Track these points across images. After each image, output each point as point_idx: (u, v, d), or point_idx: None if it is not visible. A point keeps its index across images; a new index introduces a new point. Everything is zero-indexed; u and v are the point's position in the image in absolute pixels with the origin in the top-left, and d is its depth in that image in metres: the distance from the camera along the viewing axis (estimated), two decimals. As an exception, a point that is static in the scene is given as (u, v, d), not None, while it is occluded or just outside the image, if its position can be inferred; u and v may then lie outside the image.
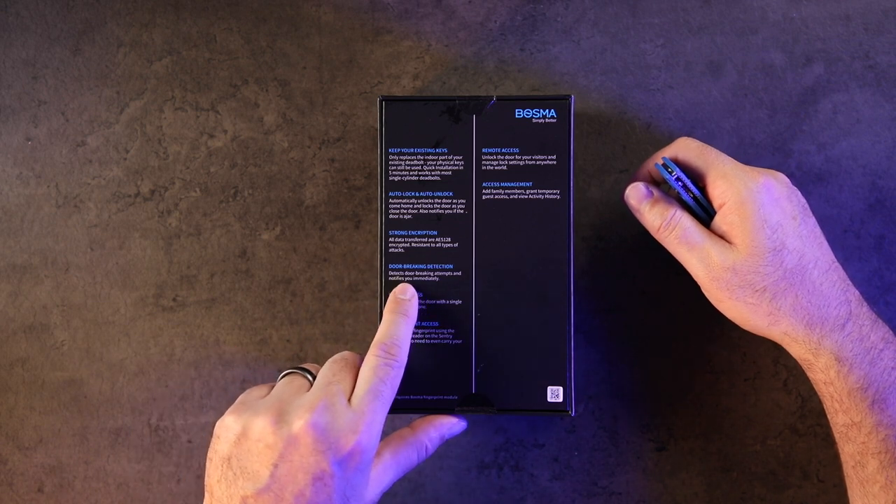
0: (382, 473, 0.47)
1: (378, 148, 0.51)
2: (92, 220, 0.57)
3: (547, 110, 0.51)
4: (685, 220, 0.48)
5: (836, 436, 0.48)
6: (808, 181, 0.56)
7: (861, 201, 0.56)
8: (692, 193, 0.48)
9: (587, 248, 0.56)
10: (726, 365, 0.56)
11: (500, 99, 0.51)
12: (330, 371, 0.46)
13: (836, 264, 0.48)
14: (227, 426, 0.45)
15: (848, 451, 0.48)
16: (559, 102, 0.51)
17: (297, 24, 0.57)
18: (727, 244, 0.47)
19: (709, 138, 0.56)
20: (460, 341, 0.51)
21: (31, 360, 0.57)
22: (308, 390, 0.46)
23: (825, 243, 0.48)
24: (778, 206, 0.47)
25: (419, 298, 0.51)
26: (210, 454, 0.45)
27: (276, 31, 0.57)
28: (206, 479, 0.45)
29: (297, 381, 0.47)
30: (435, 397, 0.51)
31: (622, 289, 0.56)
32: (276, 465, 0.42)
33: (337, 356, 0.48)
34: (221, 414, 0.56)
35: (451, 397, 0.51)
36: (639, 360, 0.56)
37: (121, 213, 0.57)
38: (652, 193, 0.49)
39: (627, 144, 0.56)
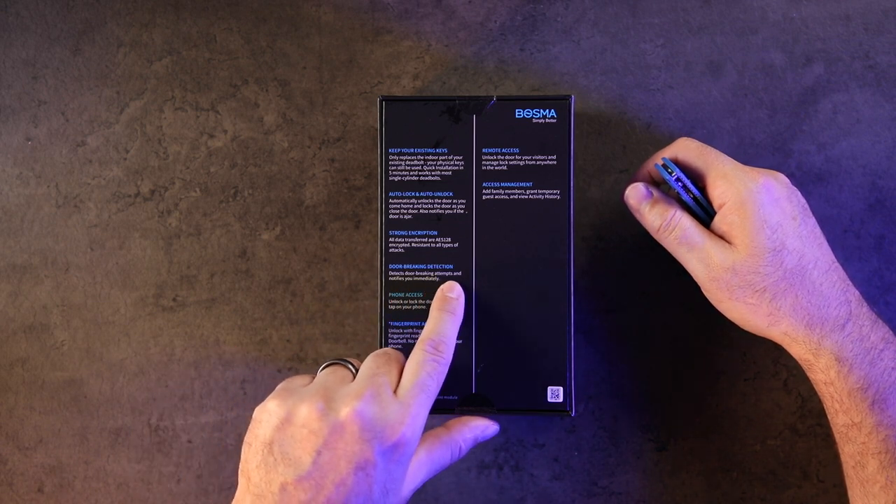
0: (417, 471, 0.47)
1: (378, 148, 0.51)
2: (92, 220, 0.57)
3: (547, 110, 0.51)
4: (685, 221, 0.48)
5: (837, 436, 0.48)
6: (808, 181, 0.56)
7: (861, 201, 0.56)
8: (692, 194, 0.48)
9: (587, 248, 0.56)
10: (726, 365, 0.56)
11: (500, 99, 0.51)
12: (374, 363, 0.46)
13: (836, 264, 0.48)
14: (270, 411, 0.44)
15: (848, 451, 0.48)
16: (559, 102, 0.51)
17: (297, 24, 0.57)
18: (727, 244, 0.47)
19: (709, 138, 0.56)
20: (460, 341, 0.51)
21: (31, 360, 0.57)
22: (352, 381, 0.46)
23: (825, 243, 0.48)
24: (778, 207, 0.47)
25: (419, 298, 0.51)
26: (249, 439, 0.44)
27: (276, 31, 0.57)
28: (241, 464, 0.44)
29: (340, 371, 0.47)
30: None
31: (622, 289, 0.56)
32: (319, 452, 0.42)
33: (379, 351, 0.48)
34: (222, 414, 0.57)
35: (451, 397, 0.51)
36: (639, 360, 0.56)
37: (121, 213, 0.57)
38: (652, 194, 0.49)
39: (627, 144, 0.56)
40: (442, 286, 0.50)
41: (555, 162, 0.51)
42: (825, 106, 0.56)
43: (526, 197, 0.51)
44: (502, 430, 0.56)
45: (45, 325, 0.57)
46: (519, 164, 0.51)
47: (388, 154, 0.51)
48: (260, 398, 0.57)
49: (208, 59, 0.57)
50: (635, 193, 0.49)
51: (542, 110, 0.51)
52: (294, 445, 0.42)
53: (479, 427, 0.50)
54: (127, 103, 0.57)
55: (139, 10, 0.58)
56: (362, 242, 0.57)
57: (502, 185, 0.51)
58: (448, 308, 0.49)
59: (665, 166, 0.48)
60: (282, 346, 0.57)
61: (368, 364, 0.46)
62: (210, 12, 0.57)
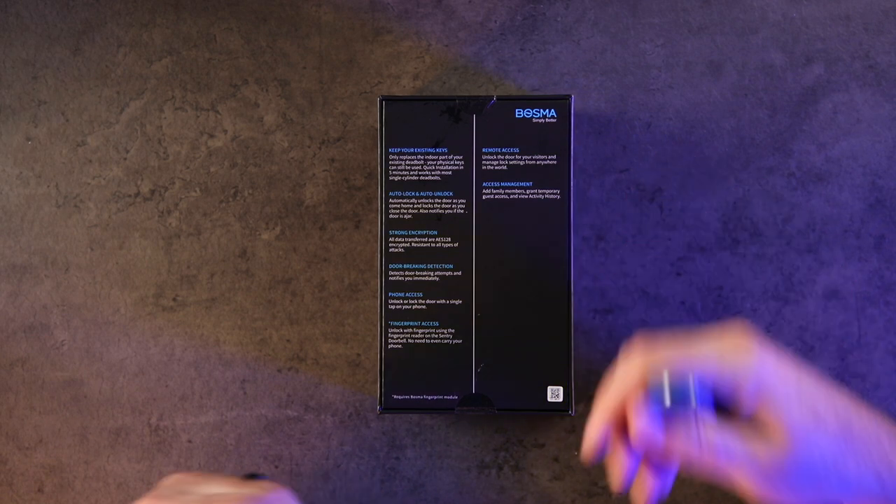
0: None
1: (378, 148, 0.51)
2: (92, 220, 0.57)
3: (547, 110, 0.51)
4: (713, 433, 0.39)
5: None
6: (808, 181, 0.56)
7: (861, 201, 0.56)
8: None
9: (587, 248, 0.56)
10: (726, 365, 0.56)
11: (500, 99, 0.51)
12: None
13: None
14: None
15: None
16: (559, 102, 0.51)
17: (297, 24, 0.57)
18: (766, 445, 0.40)
19: (709, 138, 0.56)
20: (460, 341, 0.51)
21: (31, 360, 0.57)
22: None
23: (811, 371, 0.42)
24: (779, 367, 0.40)
25: (419, 298, 0.51)
26: None
27: (276, 31, 0.57)
28: None
29: None
30: (435, 397, 0.51)
31: (622, 289, 0.56)
32: None
33: None
34: (222, 414, 0.57)
35: (451, 397, 0.51)
36: (639, 360, 0.56)
37: (121, 213, 0.57)
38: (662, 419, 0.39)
39: (627, 144, 0.56)
40: None
41: (555, 162, 0.51)
42: (825, 106, 0.56)
43: (526, 197, 0.51)
44: (502, 430, 0.56)
45: (45, 325, 0.57)
46: (519, 164, 0.51)
47: (388, 154, 0.51)
48: (260, 398, 0.57)
49: (208, 59, 0.57)
50: (648, 428, 0.38)
51: (542, 110, 0.51)
52: None
53: None
54: (127, 103, 0.58)
55: (139, 10, 0.58)
56: (362, 242, 0.57)
57: (502, 184, 0.51)
58: None
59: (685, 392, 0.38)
60: (282, 346, 0.57)
61: None
62: (210, 12, 0.58)
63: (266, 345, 0.57)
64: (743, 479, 0.40)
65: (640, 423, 0.38)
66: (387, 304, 0.51)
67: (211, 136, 0.57)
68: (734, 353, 0.40)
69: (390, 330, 0.51)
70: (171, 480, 0.47)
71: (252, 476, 0.49)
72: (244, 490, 0.45)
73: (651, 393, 0.38)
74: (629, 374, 0.39)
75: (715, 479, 0.41)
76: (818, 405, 0.40)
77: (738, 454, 0.39)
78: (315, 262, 0.57)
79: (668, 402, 0.37)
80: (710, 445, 0.39)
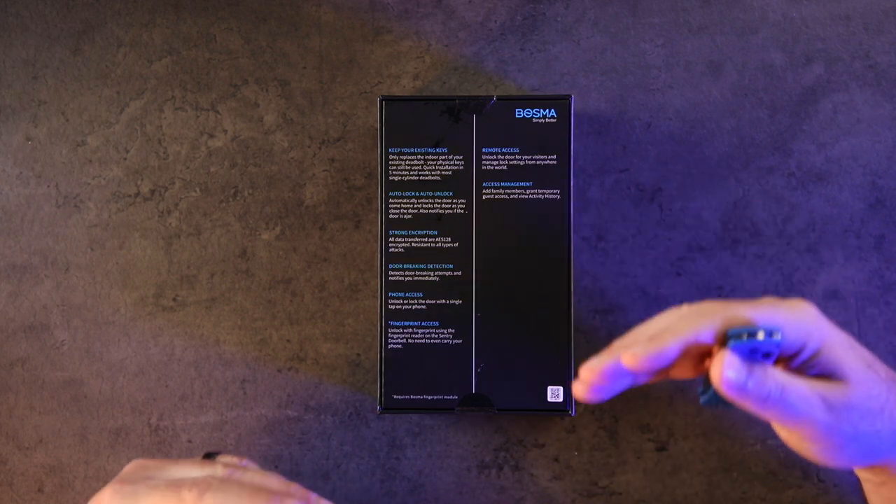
0: None
1: (378, 148, 0.51)
2: (92, 220, 0.57)
3: (547, 110, 0.51)
4: (783, 377, 0.40)
5: None
6: (808, 181, 0.56)
7: (861, 201, 0.56)
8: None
9: (587, 248, 0.56)
10: (726, 365, 0.56)
11: (500, 99, 0.51)
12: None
13: None
14: None
15: None
16: (559, 102, 0.51)
17: (297, 24, 0.57)
18: (829, 384, 0.41)
19: (709, 138, 0.56)
20: (460, 341, 0.51)
21: (31, 360, 0.57)
22: None
23: None
24: (836, 327, 0.43)
25: (419, 298, 0.51)
26: None
27: (276, 31, 0.57)
28: None
29: None
30: (435, 397, 0.51)
31: (622, 289, 0.56)
32: None
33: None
34: (221, 414, 0.57)
35: (451, 397, 0.51)
36: (639, 360, 0.56)
37: (121, 213, 0.57)
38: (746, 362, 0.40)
39: (627, 144, 0.56)
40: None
41: (555, 162, 0.51)
42: (825, 106, 0.56)
43: (526, 196, 0.51)
44: (502, 430, 0.56)
45: (45, 325, 0.57)
46: (519, 164, 0.51)
47: (388, 154, 0.51)
48: (260, 398, 0.57)
49: (208, 59, 0.57)
50: (735, 366, 0.39)
51: (542, 110, 0.51)
52: None
53: None
54: (127, 103, 0.58)
55: (139, 10, 0.58)
56: (362, 242, 0.57)
57: (502, 184, 0.51)
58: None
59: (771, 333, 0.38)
60: (282, 346, 0.57)
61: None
62: (210, 12, 0.58)
63: (266, 345, 0.57)
64: (807, 424, 0.41)
65: (730, 367, 0.39)
66: (387, 304, 0.51)
67: (211, 136, 0.57)
68: (799, 309, 0.42)
69: (390, 330, 0.51)
70: (133, 466, 0.47)
71: (210, 455, 0.48)
72: (207, 470, 0.44)
73: (731, 340, 0.38)
74: (700, 319, 0.41)
75: (779, 428, 0.42)
76: (868, 357, 0.43)
77: (807, 395, 0.40)
78: (315, 262, 0.57)
79: (748, 349, 0.38)
80: (783, 389, 0.40)
